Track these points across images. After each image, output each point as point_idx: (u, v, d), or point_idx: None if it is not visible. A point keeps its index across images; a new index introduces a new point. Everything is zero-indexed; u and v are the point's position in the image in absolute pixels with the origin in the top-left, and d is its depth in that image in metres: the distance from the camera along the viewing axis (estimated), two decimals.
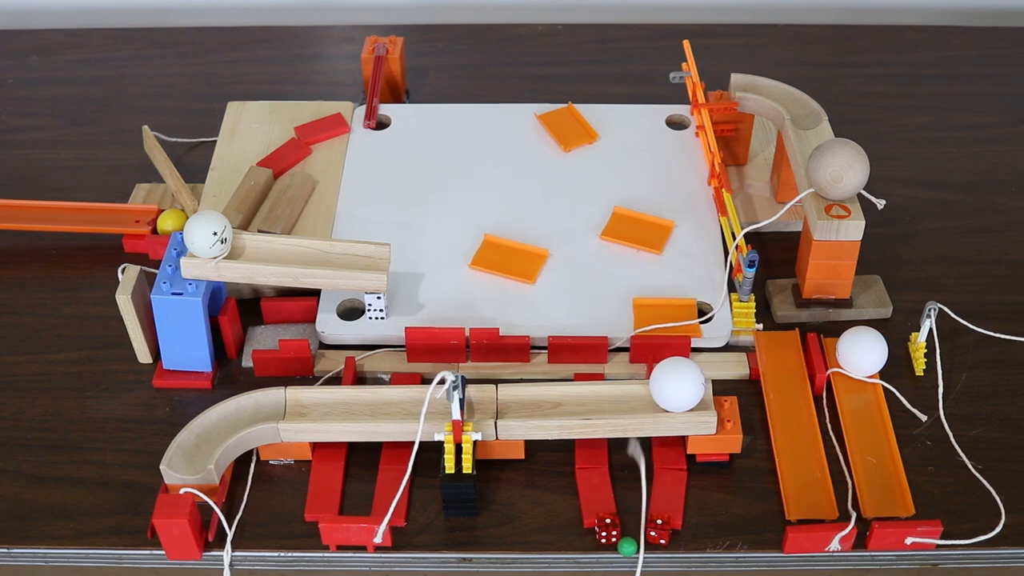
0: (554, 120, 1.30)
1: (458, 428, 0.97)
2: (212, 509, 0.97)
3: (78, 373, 1.11)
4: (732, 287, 1.15)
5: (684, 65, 1.27)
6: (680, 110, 1.32)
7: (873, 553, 0.97)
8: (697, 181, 1.24)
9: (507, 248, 1.17)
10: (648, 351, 1.08)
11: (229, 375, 1.10)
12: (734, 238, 1.13)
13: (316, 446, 1.03)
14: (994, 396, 1.08)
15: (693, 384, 0.97)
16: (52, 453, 1.04)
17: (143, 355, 1.11)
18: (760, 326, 1.12)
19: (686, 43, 1.27)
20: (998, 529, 0.97)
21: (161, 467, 0.98)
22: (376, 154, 1.28)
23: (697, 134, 1.28)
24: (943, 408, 1.07)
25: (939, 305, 1.08)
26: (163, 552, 0.97)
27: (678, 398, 0.98)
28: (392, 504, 0.96)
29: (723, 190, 1.18)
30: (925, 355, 1.10)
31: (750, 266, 1.10)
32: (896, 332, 1.12)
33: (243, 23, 1.59)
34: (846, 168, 1.06)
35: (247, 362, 1.11)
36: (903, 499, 0.99)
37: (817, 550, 0.96)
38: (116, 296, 1.05)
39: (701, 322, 1.10)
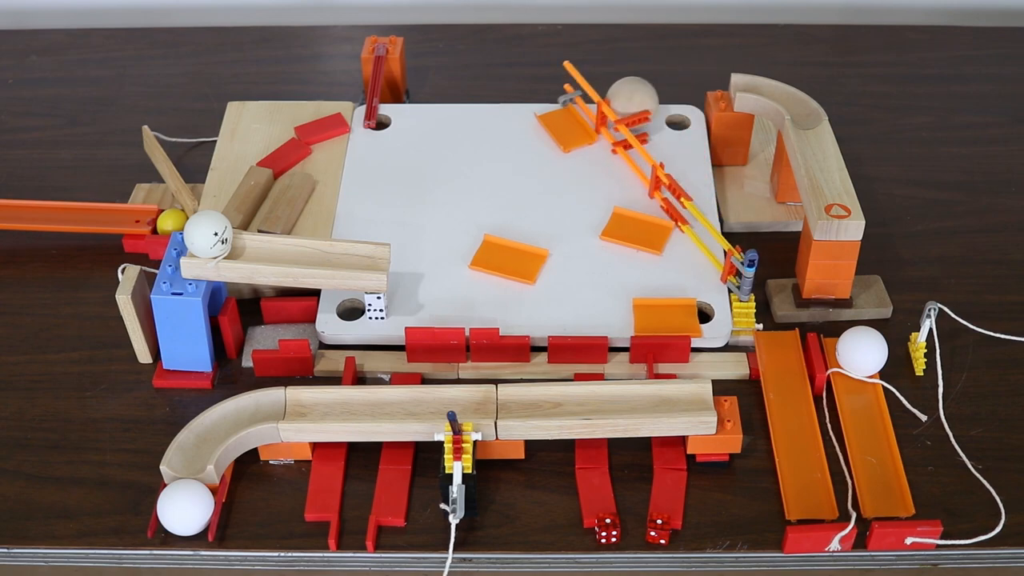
0: (554, 120, 1.30)
1: (457, 443, 0.97)
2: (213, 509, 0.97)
3: (78, 373, 1.11)
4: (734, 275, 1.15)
5: (568, 87, 1.27)
6: (680, 110, 1.32)
7: (873, 553, 0.97)
8: (697, 181, 1.24)
9: (507, 248, 1.17)
10: (648, 351, 1.08)
11: (229, 375, 1.10)
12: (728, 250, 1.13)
13: (316, 446, 1.03)
14: (994, 396, 1.08)
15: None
16: (52, 453, 1.04)
17: (143, 355, 1.11)
18: (760, 326, 1.12)
19: (567, 64, 1.27)
20: (998, 529, 0.97)
21: (161, 467, 0.98)
22: (376, 154, 1.28)
23: (615, 151, 1.27)
24: (943, 408, 1.07)
25: (939, 305, 1.08)
26: (163, 552, 0.97)
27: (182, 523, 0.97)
28: None
29: (680, 198, 1.17)
30: (925, 355, 1.09)
31: (749, 265, 1.10)
32: (896, 332, 1.12)
33: (243, 23, 1.59)
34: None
35: (247, 362, 1.11)
36: (903, 499, 0.99)
37: (817, 550, 0.96)
38: (116, 296, 1.05)
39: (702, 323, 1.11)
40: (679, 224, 1.18)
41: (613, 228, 1.19)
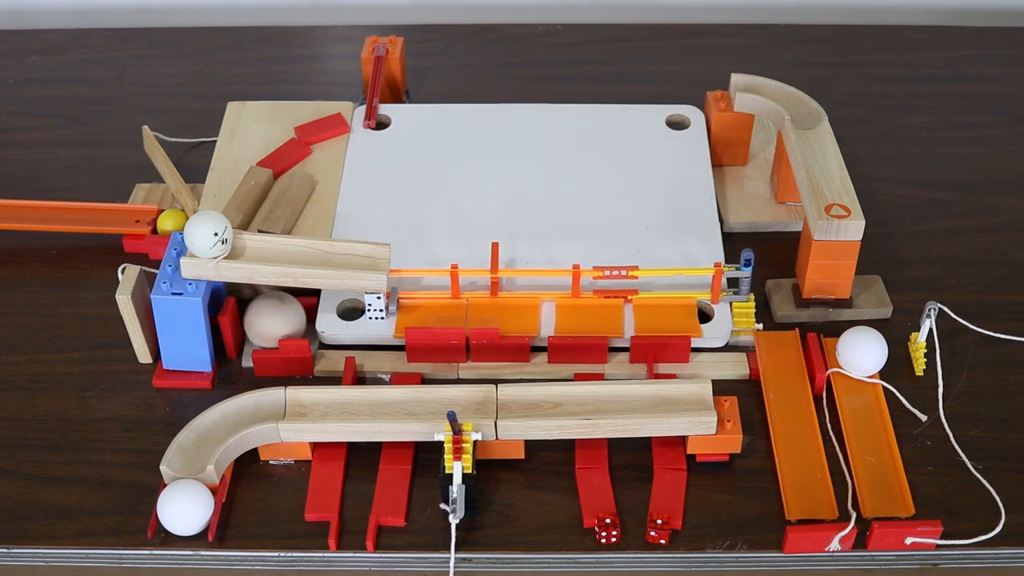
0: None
1: (457, 443, 0.97)
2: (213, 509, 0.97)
3: (78, 373, 1.11)
4: (731, 286, 1.14)
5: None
6: (680, 110, 1.32)
7: (873, 553, 0.97)
8: (697, 181, 1.24)
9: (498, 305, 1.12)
10: (648, 351, 1.08)
11: (229, 375, 1.10)
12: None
13: (316, 446, 1.03)
14: (994, 396, 1.08)
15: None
16: (52, 453, 1.04)
17: (143, 355, 1.11)
18: (760, 326, 1.12)
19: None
20: (998, 529, 0.97)
21: (161, 467, 0.98)
22: (376, 154, 1.28)
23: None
24: (943, 408, 1.07)
25: (939, 305, 1.08)
26: (163, 552, 0.97)
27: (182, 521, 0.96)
28: None
29: (623, 272, 1.10)
30: (925, 355, 1.09)
31: (746, 265, 1.10)
32: (896, 332, 1.12)
33: (243, 23, 1.59)
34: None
35: (247, 362, 1.11)
36: (903, 499, 0.99)
37: (817, 550, 0.96)
38: (116, 296, 1.05)
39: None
40: (625, 299, 1.12)
41: (563, 324, 1.11)
